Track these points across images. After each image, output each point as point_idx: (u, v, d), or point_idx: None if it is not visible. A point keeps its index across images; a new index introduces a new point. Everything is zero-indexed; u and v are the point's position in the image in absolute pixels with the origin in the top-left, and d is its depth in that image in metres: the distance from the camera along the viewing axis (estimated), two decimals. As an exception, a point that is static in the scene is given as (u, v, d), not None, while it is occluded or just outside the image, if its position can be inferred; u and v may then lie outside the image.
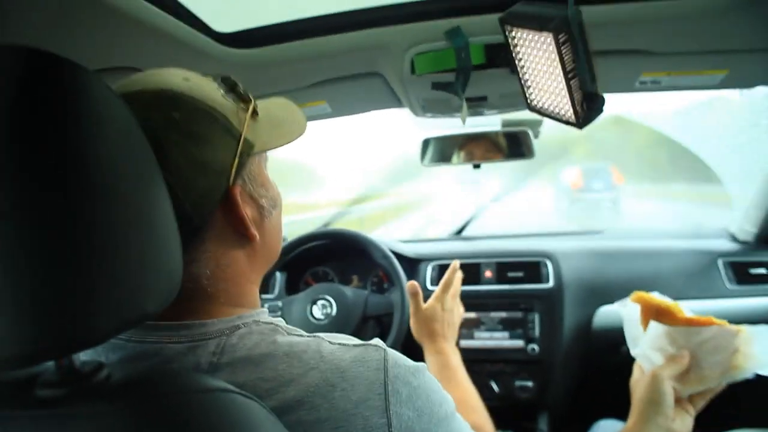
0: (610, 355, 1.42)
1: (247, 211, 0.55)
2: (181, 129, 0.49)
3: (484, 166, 1.52)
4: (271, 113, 0.61)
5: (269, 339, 0.52)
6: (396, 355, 0.54)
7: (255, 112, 0.56)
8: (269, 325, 0.54)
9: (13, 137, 0.33)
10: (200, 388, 0.40)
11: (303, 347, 0.51)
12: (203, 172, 0.50)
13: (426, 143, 1.55)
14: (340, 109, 1.26)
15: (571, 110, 0.80)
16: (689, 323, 0.75)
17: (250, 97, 0.57)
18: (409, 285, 1.05)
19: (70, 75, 0.36)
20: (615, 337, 1.21)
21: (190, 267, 0.52)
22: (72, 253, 0.34)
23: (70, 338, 0.34)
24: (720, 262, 1.52)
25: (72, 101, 0.35)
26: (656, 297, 0.80)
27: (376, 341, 0.55)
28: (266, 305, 1.44)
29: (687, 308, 0.78)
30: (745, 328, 0.72)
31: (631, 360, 0.82)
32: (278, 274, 1.67)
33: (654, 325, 0.77)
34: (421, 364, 0.56)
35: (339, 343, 0.53)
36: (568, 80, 0.77)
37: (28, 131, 0.33)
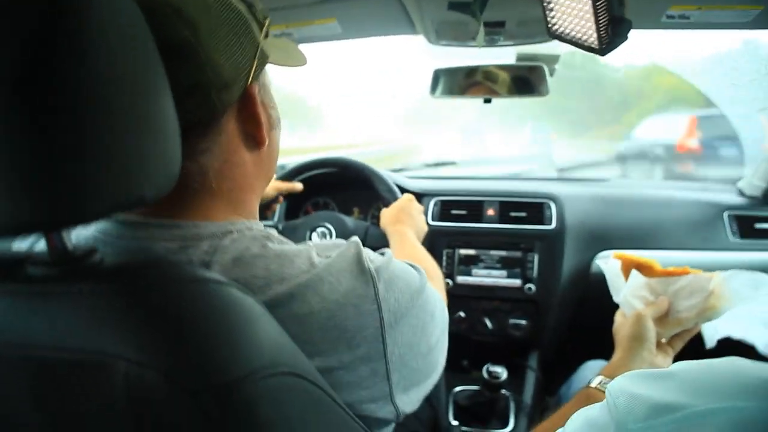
0: (605, 299, 1.43)
1: (261, 114, 0.57)
2: (213, 14, 0.50)
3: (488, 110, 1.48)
4: (277, 41, 0.63)
5: (261, 243, 0.53)
6: (367, 249, 0.58)
7: (266, 34, 0.58)
8: (262, 232, 0.55)
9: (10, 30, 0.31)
10: (193, 278, 0.40)
11: (295, 252, 0.53)
12: (230, 60, 0.51)
13: (437, 74, 1.49)
14: (351, 30, 1.21)
15: (595, 35, 0.76)
16: (666, 275, 0.82)
17: (266, 15, 0.58)
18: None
19: None
20: None
21: (202, 157, 0.53)
22: (70, 131, 0.33)
23: (62, 211, 0.33)
24: (725, 215, 1.51)
25: None
26: (635, 255, 0.88)
27: (353, 238, 0.58)
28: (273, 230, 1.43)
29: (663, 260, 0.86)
30: (717, 273, 0.79)
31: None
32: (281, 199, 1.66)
33: (634, 275, 0.84)
34: (387, 251, 0.61)
35: (327, 255, 0.54)
36: (594, 1, 0.72)
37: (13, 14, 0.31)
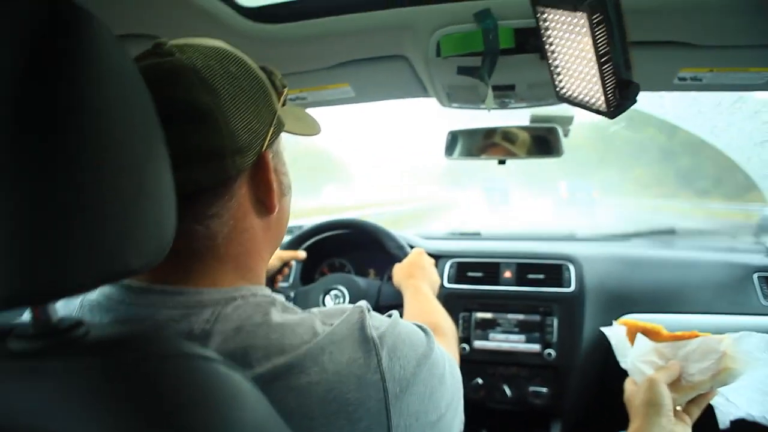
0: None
1: (273, 180, 0.58)
2: (236, 82, 0.52)
3: (513, 168, 1.47)
4: (294, 110, 0.67)
5: (264, 311, 0.51)
6: (373, 313, 0.56)
7: (284, 103, 0.60)
8: (266, 299, 0.54)
9: (18, 76, 0.32)
10: (179, 353, 0.38)
11: (297, 321, 0.51)
12: (247, 127, 0.52)
13: (451, 136, 1.51)
14: (364, 94, 1.23)
15: (603, 98, 0.76)
16: (673, 339, 0.79)
17: (284, 85, 0.60)
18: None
19: (77, 19, 0.35)
20: None
21: (211, 221, 0.53)
22: (55, 198, 0.32)
23: (46, 285, 0.32)
24: (755, 277, 1.44)
25: (78, 45, 0.34)
26: (640, 321, 0.85)
27: (359, 303, 0.56)
28: (281, 295, 1.42)
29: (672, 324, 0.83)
30: (727, 336, 0.75)
31: None
32: (294, 263, 1.66)
33: (641, 339, 0.81)
34: (394, 313, 0.59)
35: (330, 323, 0.52)
36: (601, 66, 0.72)
37: (32, 70, 0.32)
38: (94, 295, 0.53)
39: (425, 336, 0.59)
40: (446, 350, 0.64)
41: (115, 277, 0.36)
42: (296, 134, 0.63)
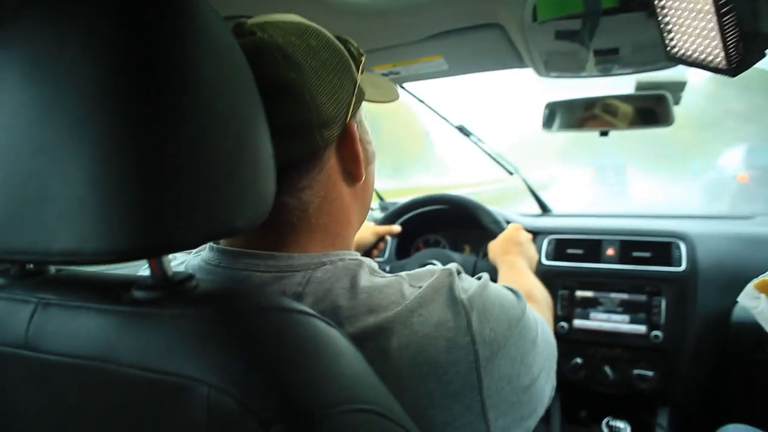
0: (752, 353, 1.24)
1: (359, 150, 0.59)
2: (316, 56, 0.52)
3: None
4: (371, 77, 0.65)
5: (353, 273, 0.53)
6: (463, 276, 0.56)
7: (361, 71, 0.60)
8: (355, 261, 0.55)
9: (121, 50, 0.34)
10: (282, 307, 0.40)
11: (385, 283, 0.52)
12: (333, 98, 0.53)
13: (552, 108, 1.45)
14: (458, 66, 1.22)
15: (723, 54, 0.68)
16: None
17: (361, 52, 0.60)
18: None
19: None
20: (759, 334, 1.05)
21: (303, 193, 0.54)
22: (172, 162, 0.35)
23: (161, 240, 0.35)
24: None
25: (177, 18, 0.37)
26: None
27: (451, 265, 0.55)
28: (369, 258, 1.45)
29: None
30: None
31: None
32: (389, 238, 1.68)
33: None
34: (484, 275, 0.58)
35: (419, 286, 0.53)
36: (720, 16, 0.65)
37: (136, 47, 0.35)
38: (196, 261, 0.58)
39: (516, 299, 0.58)
40: (538, 314, 0.63)
41: (222, 234, 0.39)
42: (376, 102, 0.64)
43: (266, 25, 0.52)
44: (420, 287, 0.52)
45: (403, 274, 0.55)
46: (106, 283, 0.44)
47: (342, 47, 0.57)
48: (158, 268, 0.40)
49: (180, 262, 0.61)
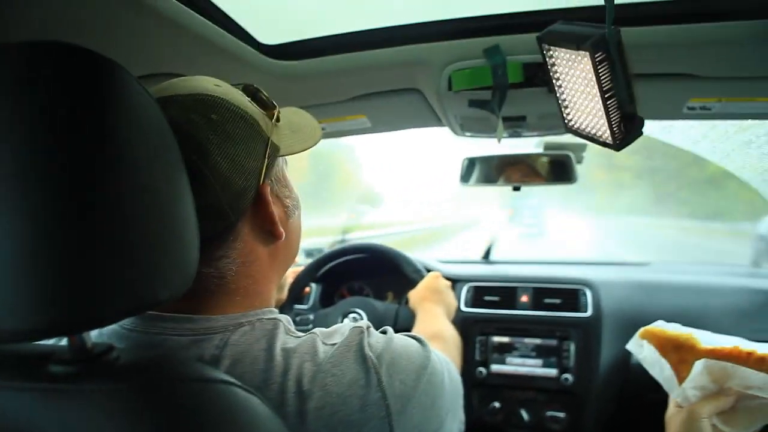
0: (650, 392, 1.34)
1: (275, 210, 0.58)
2: (218, 130, 0.52)
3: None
4: (290, 120, 0.64)
5: (270, 335, 0.54)
6: (372, 331, 0.57)
7: (277, 119, 0.60)
8: (271, 321, 0.56)
9: (48, 127, 0.35)
10: (203, 378, 0.41)
11: (300, 343, 0.54)
12: (239, 171, 0.53)
13: (466, 163, 1.54)
14: (380, 125, 1.28)
15: (608, 131, 0.78)
16: (712, 354, 0.66)
17: (273, 103, 0.60)
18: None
19: (103, 70, 0.38)
20: (652, 376, 1.14)
21: (220, 262, 0.55)
22: (94, 235, 0.35)
23: (83, 316, 0.35)
24: None
25: (105, 94, 0.37)
26: (666, 328, 0.73)
27: (360, 323, 0.58)
28: (298, 317, 1.46)
29: (703, 337, 0.70)
30: None
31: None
32: (314, 286, 1.69)
33: (699, 365, 0.66)
34: (388, 329, 0.60)
35: (332, 344, 0.55)
36: (605, 100, 0.75)
37: (60, 122, 0.35)
38: None
39: (420, 345, 0.60)
40: (444, 354, 0.66)
41: (145, 308, 0.39)
42: (294, 153, 0.62)
43: (168, 101, 0.52)
44: (334, 344, 0.54)
45: (316, 330, 0.57)
46: (22, 357, 0.43)
47: (249, 105, 0.56)
48: (77, 340, 0.40)
49: None
